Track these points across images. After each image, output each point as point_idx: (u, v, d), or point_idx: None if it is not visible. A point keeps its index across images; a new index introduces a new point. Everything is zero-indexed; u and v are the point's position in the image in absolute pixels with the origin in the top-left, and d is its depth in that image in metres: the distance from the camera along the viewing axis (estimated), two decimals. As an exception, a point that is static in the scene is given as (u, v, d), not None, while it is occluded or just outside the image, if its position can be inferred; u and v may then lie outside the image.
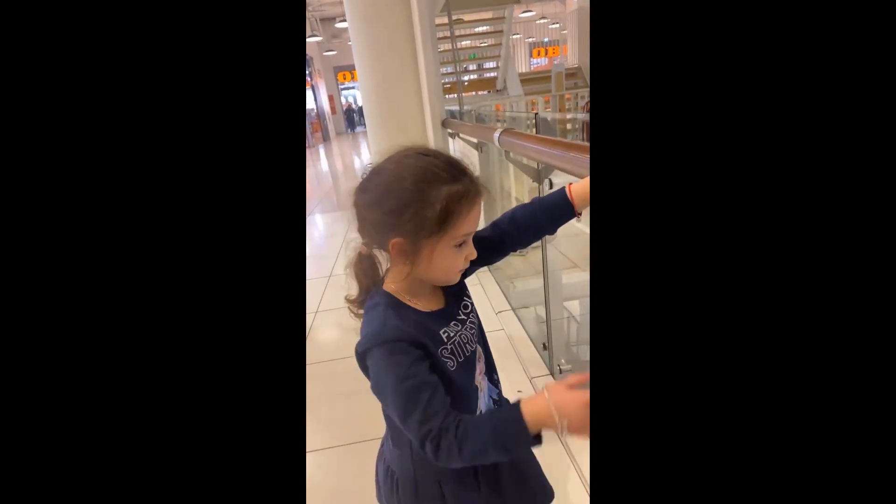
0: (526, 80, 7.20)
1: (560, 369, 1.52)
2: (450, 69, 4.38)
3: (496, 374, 0.67)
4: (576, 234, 3.04)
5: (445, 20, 3.09)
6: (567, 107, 5.83)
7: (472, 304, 0.63)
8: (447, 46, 4.37)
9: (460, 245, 0.52)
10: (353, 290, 0.59)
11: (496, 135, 1.20)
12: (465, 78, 7.16)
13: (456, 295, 0.61)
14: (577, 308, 2.05)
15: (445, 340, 0.55)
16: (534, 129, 1.36)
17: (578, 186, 0.58)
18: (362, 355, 0.52)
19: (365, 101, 2.40)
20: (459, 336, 0.57)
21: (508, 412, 0.45)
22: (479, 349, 0.63)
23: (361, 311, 0.57)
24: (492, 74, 6.75)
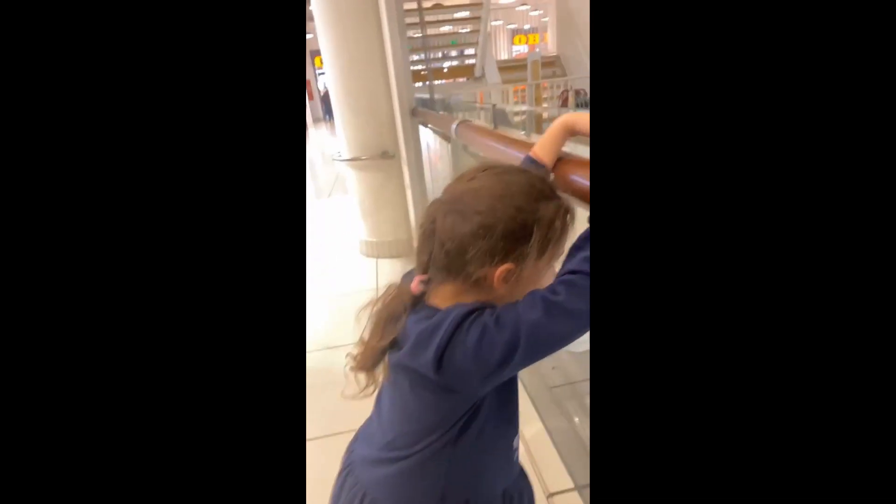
0: (504, 67, 7.16)
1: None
2: (422, 56, 4.30)
3: None
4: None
5: (417, 6, 3.01)
6: (544, 96, 5.82)
7: None
8: (419, 33, 4.29)
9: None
10: (376, 337, 0.50)
11: (453, 126, 1.17)
12: (446, 65, 7.06)
13: None
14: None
15: None
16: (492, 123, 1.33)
17: (538, 146, 0.56)
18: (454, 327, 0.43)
19: (332, 88, 2.33)
20: None
21: None
22: None
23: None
24: (472, 61, 6.67)
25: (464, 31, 6.94)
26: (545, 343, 0.42)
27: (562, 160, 0.54)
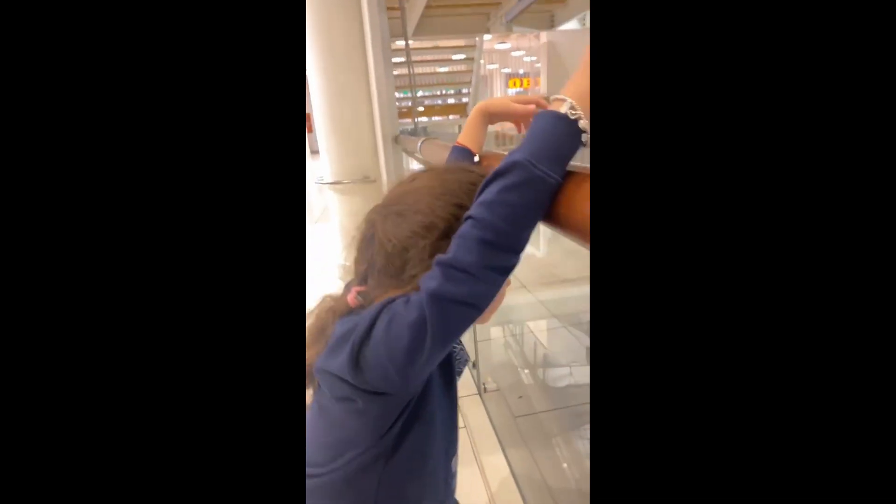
0: (496, 106, 7.41)
1: (485, 388, 1.49)
2: (425, 92, 4.45)
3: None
4: (527, 256, 3.07)
5: (414, 44, 3.14)
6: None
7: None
8: (418, 70, 4.46)
9: None
10: (309, 350, 0.48)
11: (419, 144, 1.20)
12: (439, 102, 7.29)
13: None
14: (528, 329, 2.04)
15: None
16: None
17: (462, 136, 0.55)
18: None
19: (317, 115, 2.39)
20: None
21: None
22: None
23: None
24: (466, 100, 6.92)
25: (458, 70, 7.23)
26: (454, 312, 0.37)
27: (484, 156, 0.54)
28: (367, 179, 2.34)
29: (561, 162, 0.36)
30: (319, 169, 2.51)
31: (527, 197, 0.36)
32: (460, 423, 1.38)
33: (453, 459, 0.54)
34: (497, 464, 1.24)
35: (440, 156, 1.03)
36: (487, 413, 1.44)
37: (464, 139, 0.53)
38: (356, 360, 0.41)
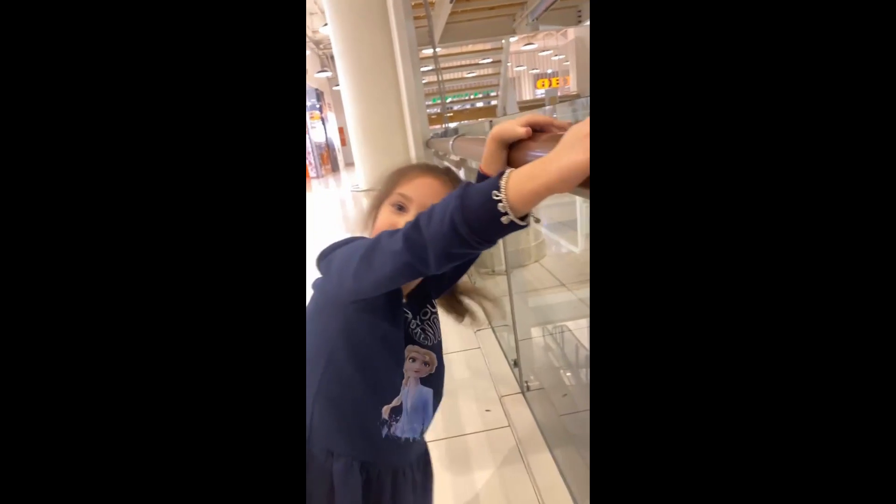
0: (524, 107, 7.36)
1: (528, 386, 1.47)
2: (454, 98, 4.47)
3: (436, 401, 0.67)
4: (565, 254, 3.02)
5: (440, 51, 3.18)
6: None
7: (434, 314, 0.67)
8: (445, 77, 4.50)
9: (399, 207, 0.60)
10: None
11: (451, 142, 1.21)
12: (468, 106, 7.32)
13: (419, 299, 0.66)
14: (569, 327, 2.00)
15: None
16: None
17: (482, 164, 0.55)
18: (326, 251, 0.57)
19: (350, 125, 2.46)
20: (413, 320, 0.63)
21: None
22: (433, 356, 0.65)
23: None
24: (496, 103, 6.92)
25: (485, 74, 7.24)
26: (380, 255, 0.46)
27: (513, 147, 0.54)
28: (401, 185, 2.38)
29: (479, 228, 0.38)
30: (356, 180, 2.57)
31: (437, 226, 0.40)
32: (503, 421, 1.37)
33: (383, 408, 0.60)
34: (544, 463, 1.21)
35: (473, 150, 1.04)
36: (532, 412, 1.41)
37: (485, 167, 0.55)
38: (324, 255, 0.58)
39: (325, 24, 2.54)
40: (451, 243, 0.40)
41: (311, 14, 9.00)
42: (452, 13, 3.86)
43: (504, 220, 0.37)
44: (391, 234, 0.45)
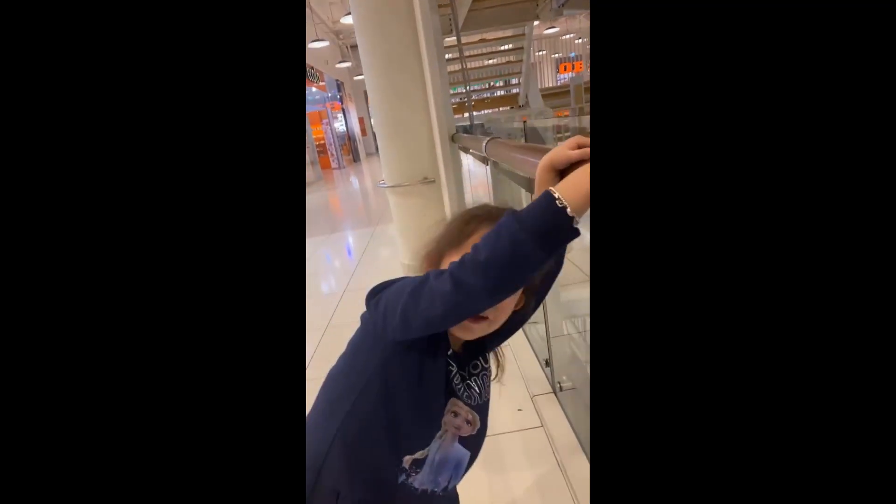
0: (547, 94, 7.18)
1: (561, 387, 1.45)
2: (473, 86, 4.41)
3: (469, 463, 0.64)
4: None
5: (463, 40, 3.13)
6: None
7: (485, 370, 0.64)
8: (468, 65, 4.44)
9: None
10: None
11: (484, 144, 1.18)
12: (487, 95, 7.20)
13: (472, 352, 0.63)
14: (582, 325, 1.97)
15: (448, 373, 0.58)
16: (523, 139, 1.33)
17: (536, 193, 0.55)
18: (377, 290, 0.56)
19: (375, 121, 2.45)
20: (458, 373, 0.60)
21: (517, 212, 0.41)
22: (476, 417, 0.62)
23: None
24: (517, 90, 6.77)
25: (506, 62, 7.10)
26: (427, 298, 0.46)
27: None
28: (427, 180, 2.36)
29: (542, 234, 0.39)
30: (375, 172, 2.57)
31: (490, 252, 0.40)
32: (536, 422, 1.37)
33: (405, 458, 0.57)
34: (579, 465, 1.21)
35: (510, 157, 1.01)
36: (564, 412, 1.40)
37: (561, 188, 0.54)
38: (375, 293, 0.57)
39: (348, 14, 2.51)
40: (505, 265, 0.40)
41: (331, 4, 8.96)
42: (475, 0, 3.78)
43: (569, 212, 0.39)
44: (438, 273, 0.45)
